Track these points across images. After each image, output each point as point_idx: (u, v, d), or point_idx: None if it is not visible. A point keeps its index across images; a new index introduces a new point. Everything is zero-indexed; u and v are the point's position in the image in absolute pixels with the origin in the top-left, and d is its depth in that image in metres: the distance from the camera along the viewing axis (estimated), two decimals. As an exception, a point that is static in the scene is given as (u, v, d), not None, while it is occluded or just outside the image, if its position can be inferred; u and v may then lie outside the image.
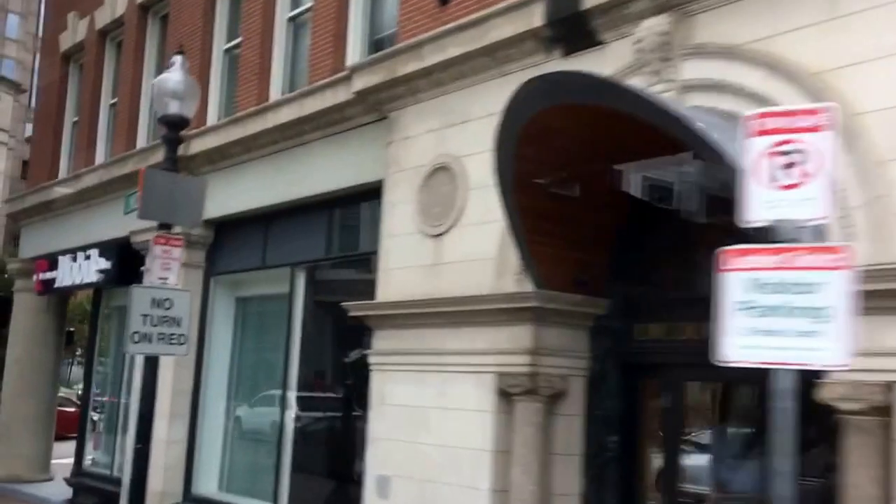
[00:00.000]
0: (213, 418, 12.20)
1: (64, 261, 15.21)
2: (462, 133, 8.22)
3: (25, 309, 17.02)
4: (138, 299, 8.21)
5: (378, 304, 8.78)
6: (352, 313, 9.01)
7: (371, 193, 9.54)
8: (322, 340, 11.00)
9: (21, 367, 16.97)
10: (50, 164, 16.90)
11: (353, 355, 11.24)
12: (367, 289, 9.37)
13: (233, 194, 11.58)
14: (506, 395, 7.48)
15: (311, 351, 10.86)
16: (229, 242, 12.23)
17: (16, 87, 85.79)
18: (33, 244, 17.10)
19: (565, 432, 7.49)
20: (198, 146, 12.02)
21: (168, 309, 8.39)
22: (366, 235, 9.90)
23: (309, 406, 10.67)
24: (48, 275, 15.72)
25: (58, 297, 16.88)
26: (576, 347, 7.55)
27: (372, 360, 8.85)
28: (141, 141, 14.31)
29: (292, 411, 10.74)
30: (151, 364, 8.43)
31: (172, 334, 8.42)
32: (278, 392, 10.99)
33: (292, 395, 10.75)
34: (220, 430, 12.22)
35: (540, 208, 6.94)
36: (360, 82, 9.16)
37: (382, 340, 8.77)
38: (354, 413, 10.18)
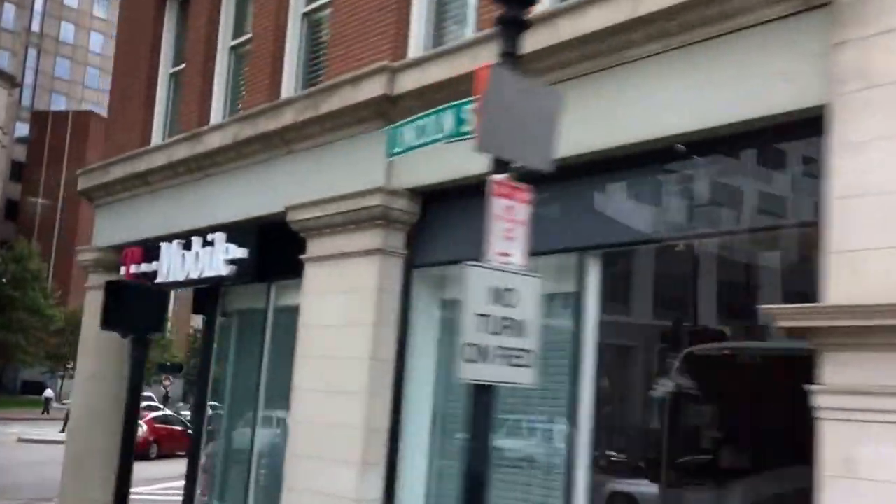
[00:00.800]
0: (418, 472, 8.57)
1: (169, 249, 11.53)
2: None
3: (98, 312, 13.28)
4: (475, 287, 4.63)
5: (847, 308, 5.17)
6: (782, 324, 5.42)
7: (763, 133, 6.05)
8: (628, 365, 7.37)
9: (95, 385, 13.40)
10: (142, 126, 13.23)
11: (663, 387, 7.69)
12: (758, 284, 5.83)
13: (458, 151, 7.89)
14: None
15: (610, 381, 7.24)
16: (443, 220, 8.62)
17: (10, 81, 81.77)
18: (115, 228, 13.39)
19: None
20: (409, 82, 8.48)
21: (511, 306, 4.81)
22: (752, 200, 6.31)
23: (618, 463, 7.00)
24: (144, 267, 12.03)
25: (142, 297, 13.17)
26: None
27: (823, 401, 5.26)
28: (287, 88, 10.69)
29: (583, 472, 7.05)
30: (484, 395, 4.81)
31: (516, 350, 4.83)
32: (558, 446, 7.33)
33: (583, 450, 7.06)
34: (423, 490, 8.59)
35: None
36: (790, -56, 5.63)
37: (847, 369, 5.19)
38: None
